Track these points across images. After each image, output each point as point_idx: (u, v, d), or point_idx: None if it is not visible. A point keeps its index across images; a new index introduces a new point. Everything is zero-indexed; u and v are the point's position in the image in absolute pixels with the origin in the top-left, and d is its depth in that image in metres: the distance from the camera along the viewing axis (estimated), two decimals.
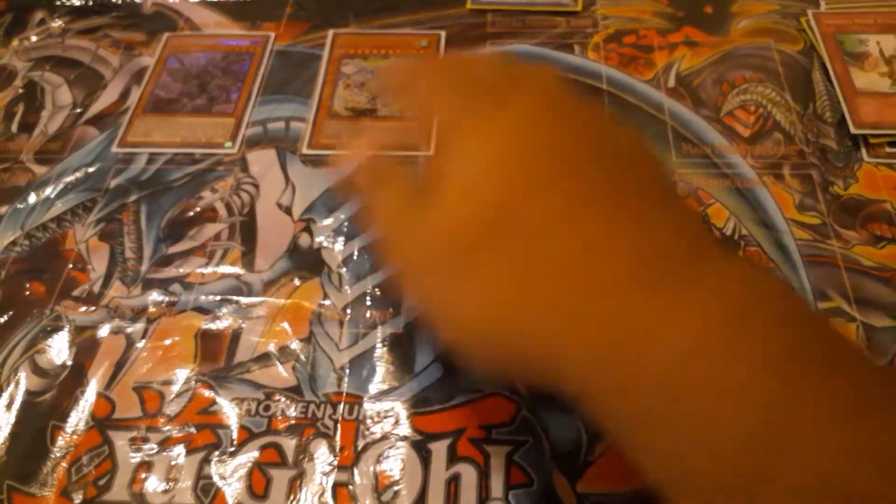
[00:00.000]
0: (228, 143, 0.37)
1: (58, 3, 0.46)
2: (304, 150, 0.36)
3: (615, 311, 0.16)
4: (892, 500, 0.13)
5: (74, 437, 0.27)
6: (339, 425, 0.27)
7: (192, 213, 0.34)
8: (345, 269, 0.32)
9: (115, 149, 0.37)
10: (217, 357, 0.29)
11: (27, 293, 0.32)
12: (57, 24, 0.45)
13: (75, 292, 0.32)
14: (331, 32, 0.42)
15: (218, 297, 0.31)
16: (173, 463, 0.26)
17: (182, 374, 0.29)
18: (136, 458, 0.27)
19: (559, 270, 0.17)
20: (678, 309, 0.16)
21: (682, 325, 0.16)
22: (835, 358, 0.16)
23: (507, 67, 0.22)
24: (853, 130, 0.34)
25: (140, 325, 0.30)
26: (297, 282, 0.31)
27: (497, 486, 0.25)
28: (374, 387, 0.28)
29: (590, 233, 0.17)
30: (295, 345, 0.29)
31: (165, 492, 0.26)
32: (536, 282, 0.17)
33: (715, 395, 0.15)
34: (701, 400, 0.15)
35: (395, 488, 0.25)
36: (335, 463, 0.26)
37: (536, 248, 0.17)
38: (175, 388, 0.28)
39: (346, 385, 0.28)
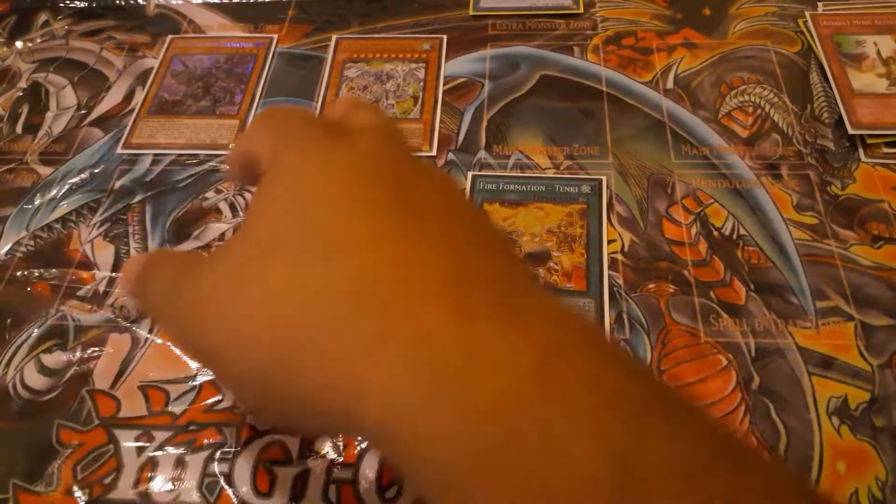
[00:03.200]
0: (233, 145, 0.37)
1: (62, 4, 0.46)
2: None
3: (424, 333, 0.14)
4: None
5: (80, 435, 0.28)
6: None
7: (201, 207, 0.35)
8: None
9: (120, 150, 0.38)
10: None
11: (33, 293, 0.32)
12: (60, 25, 0.45)
13: (80, 292, 0.32)
14: (334, 37, 0.42)
15: None
16: (178, 461, 0.27)
17: (187, 373, 0.29)
18: (142, 456, 0.27)
19: (379, 279, 0.15)
20: (498, 342, 0.14)
21: (503, 363, 0.13)
22: (666, 399, 0.14)
23: (351, 114, 0.21)
24: (850, 131, 0.34)
25: (145, 325, 0.31)
26: None
27: None
28: None
29: (403, 252, 0.15)
30: None
31: (171, 490, 0.26)
32: (333, 295, 0.15)
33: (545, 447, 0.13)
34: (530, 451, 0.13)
35: (399, 486, 0.26)
36: (339, 461, 0.26)
37: (341, 260, 0.15)
38: (180, 387, 0.29)
39: None
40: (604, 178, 0.34)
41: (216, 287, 0.17)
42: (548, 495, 0.12)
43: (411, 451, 0.14)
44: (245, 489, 0.26)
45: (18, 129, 0.40)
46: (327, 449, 0.27)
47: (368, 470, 0.26)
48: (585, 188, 0.34)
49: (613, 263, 0.31)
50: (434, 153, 0.36)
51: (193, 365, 0.29)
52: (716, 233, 0.32)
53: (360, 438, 0.27)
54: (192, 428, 0.28)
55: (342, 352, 0.14)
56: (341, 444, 0.27)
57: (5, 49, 0.44)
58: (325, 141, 0.18)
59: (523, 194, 0.33)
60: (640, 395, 0.14)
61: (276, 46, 0.42)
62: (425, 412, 0.14)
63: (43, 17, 0.46)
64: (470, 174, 0.35)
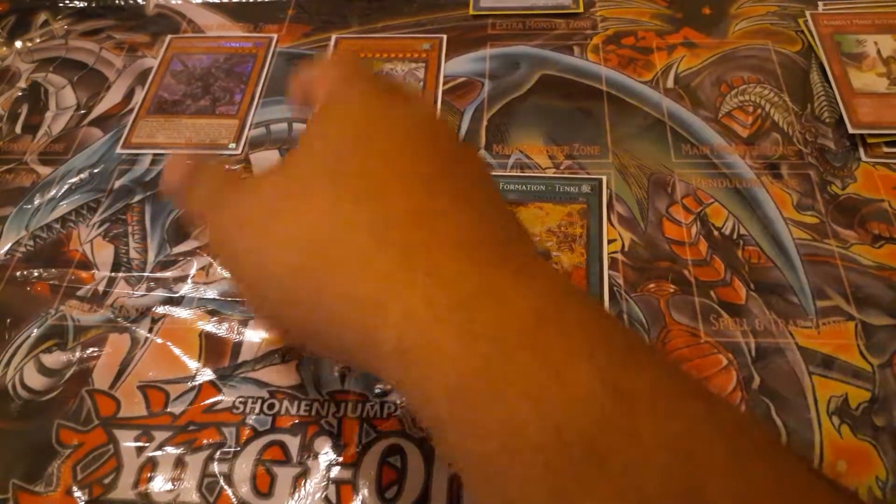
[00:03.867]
0: (232, 145, 0.37)
1: (61, 4, 0.46)
2: None
3: (438, 269, 0.16)
4: (732, 491, 0.13)
5: (79, 436, 0.28)
6: (342, 423, 0.27)
7: None
8: None
9: (119, 150, 0.38)
10: (221, 356, 0.30)
11: (32, 293, 0.32)
12: (60, 25, 0.45)
13: (80, 292, 0.32)
14: (334, 36, 0.42)
15: (222, 297, 0.31)
16: (178, 461, 0.27)
17: (186, 373, 0.29)
18: (141, 456, 0.27)
19: (380, 228, 0.17)
20: (504, 285, 0.15)
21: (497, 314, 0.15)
22: (646, 345, 0.17)
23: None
24: (851, 130, 0.34)
25: (145, 325, 0.31)
26: None
27: None
28: (378, 385, 0.28)
29: (414, 202, 0.17)
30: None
31: (170, 490, 0.26)
32: (352, 232, 0.17)
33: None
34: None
35: (398, 486, 0.26)
36: (339, 460, 0.26)
37: (360, 203, 0.17)
38: (180, 387, 0.29)
39: (349, 383, 0.28)
40: (604, 178, 0.34)
41: (260, 207, 0.19)
42: (542, 413, 0.13)
43: (421, 371, 0.15)
44: (245, 489, 0.26)
45: (18, 129, 0.40)
46: (327, 449, 0.27)
47: (368, 470, 0.26)
48: (585, 188, 0.34)
49: (613, 263, 0.31)
50: None
51: (192, 365, 0.29)
52: (716, 232, 0.32)
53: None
54: (191, 428, 0.28)
55: (365, 273, 0.16)
56: (341, 443, 0.27)
57: (5, 49, 0.44)
58: (385, 95, 0.20)
59: (523, 194, 0.33)
60: (626, 338, 0.16)
61: (275, 46, 0.42)
62: (434, 333, 0.15)
63: (42, 16, 0.46)
64: None
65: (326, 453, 0.27)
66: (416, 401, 0.16)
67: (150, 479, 0.26)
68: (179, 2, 0.46)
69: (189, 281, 0.32)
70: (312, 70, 0.23)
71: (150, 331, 0.31)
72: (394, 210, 0.17)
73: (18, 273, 0.33)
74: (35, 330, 0.31)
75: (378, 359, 0.16)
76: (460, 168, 0.19)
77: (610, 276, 0.30)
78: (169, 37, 0.43)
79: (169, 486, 0.26)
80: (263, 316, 0.20)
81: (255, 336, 0.30)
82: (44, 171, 0.37)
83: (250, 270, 0.19)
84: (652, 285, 0.30)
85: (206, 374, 0.29)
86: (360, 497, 0.25)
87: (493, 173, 0.35)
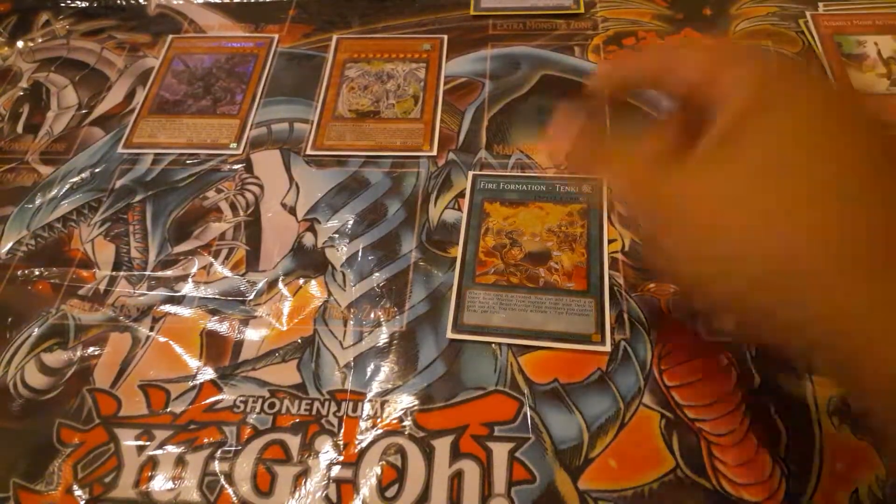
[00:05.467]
0: (233, 145, 0.37)
1: (63, 4, 0.46)
2: (309, 151, 0.37)
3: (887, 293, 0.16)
4: None
5: (80, 434, 0.28)
6: (343, 422, 0.27)
7: (201, 208, 0.35)
8: (349, 268, 0.32)
9: (120, 150, 0.38)
10: (222, 355, 0.30)
11: (33, 292, 0.32)
12: (62, 25, 0.45)
13: (81, 291, 0.32)
14: (335, 37, 0.42)
15: (223, 296, 0.31)
16: (179, 460, 0.27)
17: (187, 373, 0.29)
18: (142, 455, 0.27)
19: (859, 230, 0.17)
20: None
21: None
22: None
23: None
24: None
25: (145, 324, 0.31)
26: (301, 281, 0.32)
27: (499, 482, 0.25)
28: (378, 384, 0.28)
29: (868, 217, 0.17)
30: (299, 343, 0.30)
31: (171, 489, 0.26)
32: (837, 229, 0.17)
33: None
34: None
35: (399, 484, 0.26)
36: (339, 459, 0.26)
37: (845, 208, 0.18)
38: (180, 386, 0.29)
39: (350, 382, 0.28)
40: (604, 178, 0.34)
41: (711, 191, 0.19)
42: None
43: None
44: (245, 488, 0.26)
45: (19, 129, 0.40)
46: (327, 448, 0.27)
47: (368, 469, 0.26)
48: (586, 188, 0.34)
49: (614, 263, 0.31)
50: (435, 153, 0.36)
51: (193, 364, 0.29)
52: None
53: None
54: (192, 427, 0.28)
55: (825, 284, 0.17)
56: (341, 443, 0.27)
57: (6, 49, 0.44)
58: (804, 84, 0.20)
59: (524, 194, 0.33)
60: None
61: (276, 46, 0.42)
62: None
63: (44, 16, 0.46)
64: (471, 174, 0.35)
65: (327, 452, 0.27)
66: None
67: (150, 478, 0.26)
68: (181, 2, 0.46)
69: (190, 280, 0.32)
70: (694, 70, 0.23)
71: (151, 330, 0.31)
72: (839, 222, 0.17)
73: (20, 272, 0.33)
74: (36, 329, 0.31)
75: (825, 343, 0.17)
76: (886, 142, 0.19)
77: (610, 276, 0.30)
78: (170, 37, 0.43)
79: (170, 484, 0.26)
80: (702, 288, 0.20)
81: (255, 335, 0.30)
82: (45, 170, 0.37)
83: (715, 246, 0.19)
84: (652, 285, 0.30)
85: (207, 374, 0.29)
86: (360, 496, 0.25)
87: (494, 173, 0.35)
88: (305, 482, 0.26)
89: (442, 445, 0.26)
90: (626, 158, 0.23)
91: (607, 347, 0.28)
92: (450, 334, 0.29)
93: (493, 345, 0.29)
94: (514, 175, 0.35)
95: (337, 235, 0.33)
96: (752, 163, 0.19)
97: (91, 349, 0.30)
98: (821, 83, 0.20)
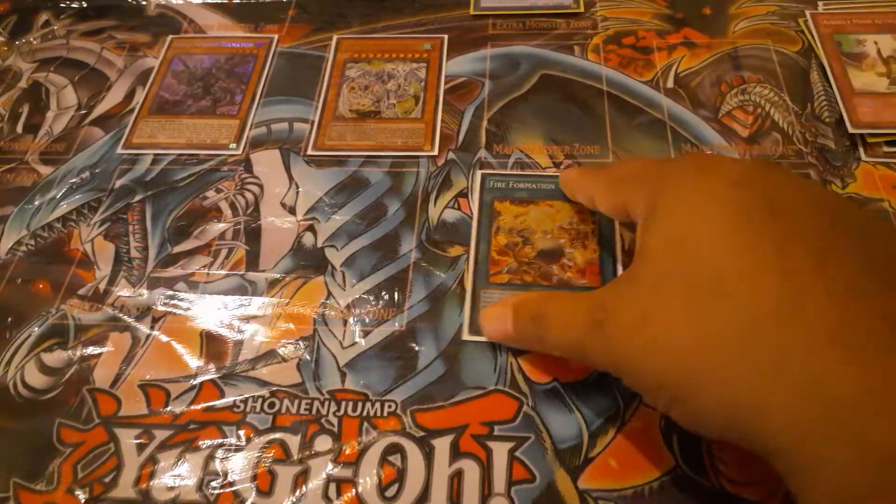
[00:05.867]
0: (233, 145, 0.37)
1: (62, 4, 0.46)
2: (310, 152, 0.37)
3: (815, 375, 0.15)
4: None
5: (80, 434, 0.28)
6: (342, 422, 0.27)
7: (200, 209, 0.35)
8: (348, 268, 0.32)
9: (120, 150, 0.38)
10: (222, 355, 0.30)
11: (33, 292, 0.32)
12: (61, 25, 0.45)
13: (81, 291, 0.32)
14: (335, 37, 0.42)
15: (222, 296, 0.31)
16: (179, 460, 0.27)
17: (187, 372, 0.29)
18: (142, 455, 0.27)
19: (767, 319, 0.16)
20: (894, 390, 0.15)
21: None
22: None
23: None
24: (851, 130, 0.34)
25: (145, 324, 0.31)
26: (301, 280, 0.32)
27: (499, 481, 0.25)
28: (378, 384, 0.28)
29: (782, 292, 0.16)
30: (299, 342, 0.30)
31: (171, 488, 0.26)
32: (746, 325, 0.16)
33: None
34: None
35: (399, 484, 0.26)
36: (339, 459, 0.26)
37: (756, 294, 0.17)
38: (180, 386, 0.29)
39: (349, 382, 0.28)
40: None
41: (627, 316, 0.19)
42: None
43: (804, 471, 0.15)
44: (245, 488, 0.26)
45: (19, 129, 0.40)
46: (328, 448, 0.27)
47: (368, 469, 0.26)
48: None
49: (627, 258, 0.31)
50: (436, 152, 0.36)
51: (193, 364, 0.29)
52: None
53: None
54: (192, 427, 0.28)
55: (739, 378, 0.16)
56: (342, 442, 0.27)
57: (6, 48, 0.44)
58: (695, 174, 0.20)
59: (533, 192, 0.33)
60: None
61: (276, 46, 0.42)
62: (817, 441, 0.15)
63: (43, 16, 0.46)
64: (479, 172, 0.35)
65: (327, 452, 0.27)
66: (799, 489, 0.16)
67: (150, 478, 0.26)
68: (181, 2, 0.46)
69: (190, 280, 0.32)
70: (611, 199, 0.24)
71: (151, 329, 0.31)
72: (749, 306, 0.16)
73: (19, 272, 0.33)
74: (36, 329, 0.31)
75: (758, 445, 0.17)
76: (798, 210, 0.18)
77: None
78: (170, 37, 0.43)
79: (170, 484, 0.26)
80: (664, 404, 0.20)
81: (255, 335, 0.30)
82: (45, 170, 0.37)
83: (624, 371, 0.20)
84: None
85: (207, 373, 0.29)
86: (360, 496, 0.25)
87: (503, 172, 0.35)
88: (305, 482, 0.26)
89: (442, 445, 0.26)
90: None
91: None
92: (466, 335, 0.29)
93: (494, 344, 0.29)
94: (524, 174, 0.35)
95: (337, 235, 0.33)
96: (655, 272, 0.19)
97: (91, 349, 0.30)
98: (718, 172, 0.19)
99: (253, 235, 0.34)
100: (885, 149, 0.34)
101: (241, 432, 0.27)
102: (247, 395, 0.28)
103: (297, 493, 0.26)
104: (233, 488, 0.26)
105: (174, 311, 0.31)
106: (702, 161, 0.21)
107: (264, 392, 0.28)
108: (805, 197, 0.19)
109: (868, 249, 0.17)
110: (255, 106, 0.39)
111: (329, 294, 0.31)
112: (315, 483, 0.26)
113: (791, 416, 0.15)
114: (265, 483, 0.26)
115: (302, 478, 0.26)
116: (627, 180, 0.23)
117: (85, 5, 0.46)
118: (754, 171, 0.19)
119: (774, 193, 0.18)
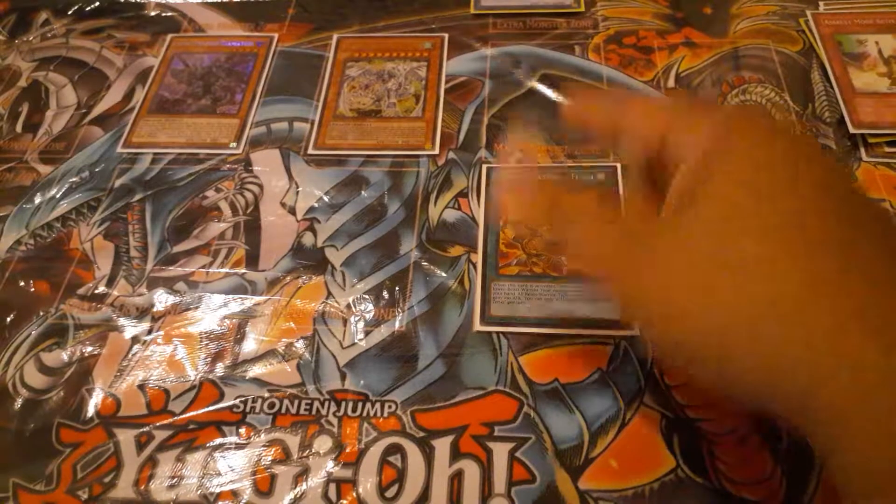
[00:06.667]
0: (233, 144, 0.37)
1: (62, 4, 0.46)
2: (311, 151, 0.36)
3: (844, 355, 0.16)
4: None
5: (80, 434, 0.28)
6: (342, 422, 0.27)
7: (199, 209, 0.35)
8: (348, 268, 0.32)
9: (120, 149, 0.38)
10: (222, 355, 0.30)
11: (32, 292, 0.32)
12: (61, 24, 0.45)
13: (80, 291, 0.32)
14: (335, 36, 0.42)
15: (222, 296, 0.31)
16: (178, 460, 0.27)
17: (186, 372, 0.29)
18: (142, 455, 0.27)
19: (798, 292, 0.17)
20: None
21: None
22: None
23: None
24: (852, 130, 0.34)
25: (145, 324, 0.31)
26: (301, 280, 0.32)
27: (500, 482, 0.25)
28: (378, 384, 0.28)
29: (811, 275, 0.17)
30: (299, 342, 0.30)
31: (171, 488, 0.26)
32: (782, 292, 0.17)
33: None
34: None
35: (399, 485, 0.26)
36: (339, 460, 0.26)
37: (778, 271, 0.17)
38: (180, 386, 0.29)
39: (349, 382, 0.28)
40: (618, 166, 0.34)
41: (675, 256, 0.19)
42: None
43: (836, 442, 0.16)
44: (245, 488, 0.26)
45: (18, 128, 0.40)
46: (327, 448, 0.27)
47: (368, 469, 0.26)
48: (600, 175, 0.34)
49: None
50: (437, 151, 0.36)
51: (193, 364, 0.29)
52: None
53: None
54: (191, 427, 0.28)
55: (792, 343, 0.17)
56: (341, 443, 0.27)
57: (5, 48, 0.44)
58: (758, 135, 0.20)
59: (539, 184, 0.33)
60: None
61: (276, 45, 0.42)
62: (850, 416, 0.16)
63: (43, 15, 0.46)
64: (485, 167, 0.35)
65: (327, 452, 0.26)
66: (838, 463, 0.17)
67: (150, 478, 0.26)
68: (180, 1, 0.46)
69: (189, 280, 0.32)
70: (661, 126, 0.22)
71: (151, 330, 0.31)
72: (783, 287, 0.17)
73: (19, 271, 0.33)
74: (35, 328, 0.31)
75: (804, 415, 0.17)
76: (832, 195, 0.18)
77: None
78: (170, 36, 0.43)
79: (169, 483, 0.26)
80: (693, 369, 0.20)
81: (255, 335, 0.30)
82: (44, 169, 0.37)
83: (683, 326, 0.19)
84: None
85: (207, 373, 0.29)
86: (360, 496, 0.25)
87: (508, 165, 0.35)
88: (305, 482, 0.26)
89: (442, 445, 0.26)
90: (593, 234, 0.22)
91: (637, 332, 0.28)
92: (478, 327, 0.29)
93: (494, 344, 0.29)
94: (528, 166, 0.35)
95: (337, 235, 0.33)
96: (710, 222, 0.19)
97: (90, 349, 0.30)
98: (775, 133, 0.20)
99: (253, 235, 0.34)
100: (887, 149, 0.34)
101: (241, 432, 0.27)
102: (247, 396, 0.28)
103: (297, 493, 0.26)
104: (232, 488, 0.26)
105: (174, 311, 0.31)
106: (769, 127, 0.21)
107: (264, 392, 0.28)
108: (837, 178, 0.20)
109: (879, 234, 0.18)
110: (255, 105, 0.39)
111: (329, 294, 0.31)
112: (315, 483, 0.26)
113: (834, 388, 0.16)
114: (265, 483, 0.26)
115: (301, 478, 0.26)
116: (682, 114, 0.22)
117: (84, 4, 0.46)
118: (797, 144, 0.20)
119: (814, 171, 0.19)
